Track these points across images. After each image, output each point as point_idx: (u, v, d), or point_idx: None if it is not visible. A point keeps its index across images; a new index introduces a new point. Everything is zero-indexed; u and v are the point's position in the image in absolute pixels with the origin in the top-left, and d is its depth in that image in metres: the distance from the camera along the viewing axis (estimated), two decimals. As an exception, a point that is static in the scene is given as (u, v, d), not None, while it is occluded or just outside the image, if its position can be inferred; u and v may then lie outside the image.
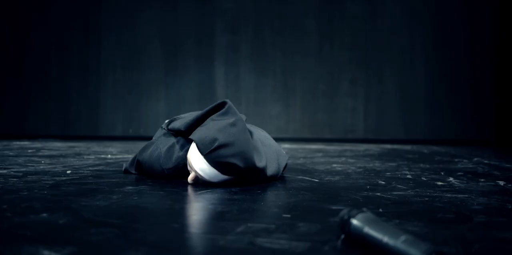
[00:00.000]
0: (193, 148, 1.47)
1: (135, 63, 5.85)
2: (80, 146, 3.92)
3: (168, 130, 1.74)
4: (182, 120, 1.69)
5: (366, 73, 5.51)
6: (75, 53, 5.96)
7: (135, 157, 1.86)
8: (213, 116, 1.52)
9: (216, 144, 1.39)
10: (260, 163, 1.51)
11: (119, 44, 5.89)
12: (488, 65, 5.28)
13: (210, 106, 1.56)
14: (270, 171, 1.63)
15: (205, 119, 1.55)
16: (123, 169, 1.92)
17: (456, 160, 2.80)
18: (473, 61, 5.32)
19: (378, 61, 5.49)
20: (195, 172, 1.47)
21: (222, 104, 1.53)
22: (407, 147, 4.27)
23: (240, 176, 1.52)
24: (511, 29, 5.02)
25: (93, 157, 2.80)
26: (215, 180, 1.48)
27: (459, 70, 5.35)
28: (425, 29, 5.41)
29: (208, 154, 1.41)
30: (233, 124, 1.44)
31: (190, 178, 1.53)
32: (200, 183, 1.56)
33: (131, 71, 5.86)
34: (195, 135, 1.48)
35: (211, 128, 1.44)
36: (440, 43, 5.38)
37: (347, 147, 4.27)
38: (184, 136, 1.65)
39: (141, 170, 1.79)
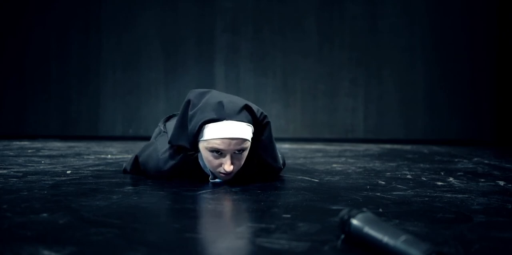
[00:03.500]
0: None
1: (135, 63, 5.86)
2: (80, 146, 3.92)
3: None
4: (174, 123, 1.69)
5: (366, 73, 5.51)
6: (75, 53, 5.97)
7: (133, 157, 1.85)
8: (189, 113, 1.52)
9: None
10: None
11: (119, 44, 5.89)
12: (488, 65, 5.29)
13: (182, 108, 1.56)
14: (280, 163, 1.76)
15: (186, 120, 1.54)
16: (123, 168, 1.93)
17: (456, 160, 2.80)
18: (473, 61, 5.32)
19: (378, 61, 5.49)
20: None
21: (188, 102, 1.54)
22: (407, 147, 4.27)
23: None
24: (511, 29, 5.02)
25: (93, 157, 2.80)
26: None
27: (459, 70, 5.35)
28: (424, 29, 5.41)
29: None
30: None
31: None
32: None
33: (131, 71, 5.86)
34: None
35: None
36: (439, 43, 5.38)
37: (347, 147, 4.27)
38: None
39: (139, 170, 1.79)
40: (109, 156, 2.87)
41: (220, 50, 5.72)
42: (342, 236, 0.85)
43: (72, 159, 2.59)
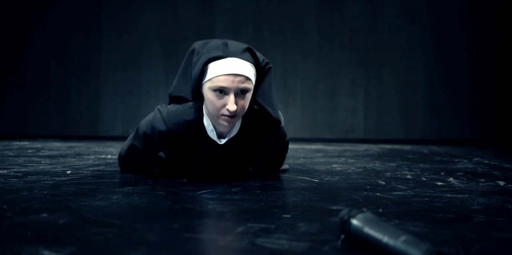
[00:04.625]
0: None
1: (135, 63, 5.85)
2: (80, 146, 3.92)
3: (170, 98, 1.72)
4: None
5: (366, 73, 5.51)
6: (75, 53, 5.96)
7: (134, 130, 1.77)
8: (193, 60, 1.52)
9: None
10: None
11: (119, 44, 5.89)
12: (488, 65, 5.29)
13: (185, 58, 1.57)
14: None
15: (189, 69, 1.54)
16: (118, 155, 1.88)
17: (456, 160, 2.80)
18: (473, 61, 5.32)
19: (378, 61, 5.49)
20: None
21: (192, 51, 1.56)
22: (407, 147, 4.27)
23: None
24: (511, 29, 5.02)
25: (93, 157, 2.80)
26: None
27: (459, 70, 5.35)
28: (425, 29, 5.42)
29: None
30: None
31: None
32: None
33: (131, 71, 5.86)
34: None
35: None
36: (439, 43, 5.38)
37: (347, 147, 4.27)
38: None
39: (136, 147, 1.69)
40: (109, 156, 2.87)
41: (220, 50, 5.71)
42: (342, 236, 0.85)
43: (72, 159, 2.59)
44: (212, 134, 1.57)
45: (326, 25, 5.57)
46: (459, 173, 2.03)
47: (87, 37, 5.95)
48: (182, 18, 5.77)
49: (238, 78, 1.44)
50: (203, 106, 1.57)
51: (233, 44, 1.50)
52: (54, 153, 3.10)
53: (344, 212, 0.85)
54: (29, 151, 3.26)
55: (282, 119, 1.70)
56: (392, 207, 1.19)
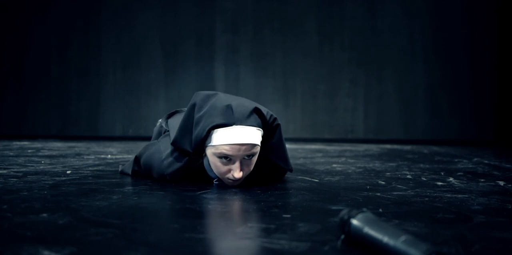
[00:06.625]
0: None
1: (135, 63, 5.86)
2: (80, 146, 3.92)
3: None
4: (177, 124, 1.60)
5: (366, 73, 5.51)
6: (75, 53, 5.97)
7: (133, 159, 1.81)
8: (195, 116, 1.46)
9: None
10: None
11: (119, 44, 5.89)
12: (488, 65, 5.29)
13: (187, 111, 1.50)
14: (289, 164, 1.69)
15: (191, 123, 1.48)
16: (120, 170, 1.90)
17: (456, 160, 2.80)
18: (473, 61, 5.33)
19: (378, 61, 5.50)
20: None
21: (193, 105, 1.48)
22: (407, 147, 4.27)
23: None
24: (511, 29, 5.02)
25: (93, 157, 2.80)
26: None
27: (459, 70, 5.36)
28: (425, 29, 5.42)
29: None
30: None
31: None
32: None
33: (131, 71, 5.86)
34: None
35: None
36: (440, 43, 5.38)
37: (347, 147, 4.27)
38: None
39: (140, 171, 1.73)
40: (109, 156, 2.87)
41: (220, 51, 5.72)
42: (342, 236, 0.85)
43: (72, 159, 2.59)
44: (214, 177, 1.57)
45: (326, 25, 5.57)
46: (459, 173, 2.03)
47: (87, 37, 5.95)
48: (182, 18, 5.78)
49: (244, 147, 1.37)
50: (204, 159, 1.54)
51: (238, 107, 1.39)
52: (54, 153, 3.10)
53: (344, 212, 0.85)
54: (29, 151, 3.26)
55: (291, 165, 1.70)
56: (392, 207, 1.19)
